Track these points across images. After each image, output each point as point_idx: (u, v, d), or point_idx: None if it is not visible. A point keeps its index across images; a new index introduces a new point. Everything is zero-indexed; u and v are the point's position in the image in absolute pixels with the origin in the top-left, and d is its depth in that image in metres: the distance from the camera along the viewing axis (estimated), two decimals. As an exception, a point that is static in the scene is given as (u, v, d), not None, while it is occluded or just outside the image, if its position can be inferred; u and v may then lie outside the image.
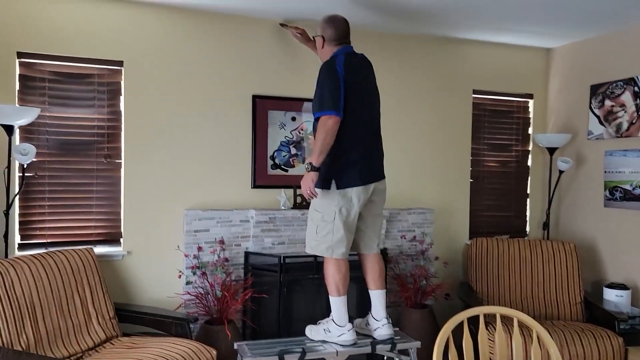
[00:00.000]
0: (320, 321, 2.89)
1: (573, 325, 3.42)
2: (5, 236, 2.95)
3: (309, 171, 2.60)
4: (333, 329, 2.75)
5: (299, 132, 3.79)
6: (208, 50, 3.55)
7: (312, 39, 3.41)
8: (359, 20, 3.56)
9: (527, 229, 4.50)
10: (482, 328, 2.00)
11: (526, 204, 4.49)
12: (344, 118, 2.62)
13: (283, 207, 3.62)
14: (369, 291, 2.89)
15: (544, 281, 3.77)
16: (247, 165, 3.66)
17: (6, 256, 2.96)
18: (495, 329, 2.04)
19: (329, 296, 2.77)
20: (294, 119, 3.77)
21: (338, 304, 2.74)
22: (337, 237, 2.69)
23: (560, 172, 4.12)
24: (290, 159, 3.77)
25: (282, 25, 3.61)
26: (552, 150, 4.17)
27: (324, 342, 2.77)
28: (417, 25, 3.76)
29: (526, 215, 4.49)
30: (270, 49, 3.67)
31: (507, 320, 3.12)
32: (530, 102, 4.47)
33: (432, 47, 4.12)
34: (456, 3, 3.23)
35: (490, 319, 3.22)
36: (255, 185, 3.67)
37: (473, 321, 2.27)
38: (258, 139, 3.67)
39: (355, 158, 2.70)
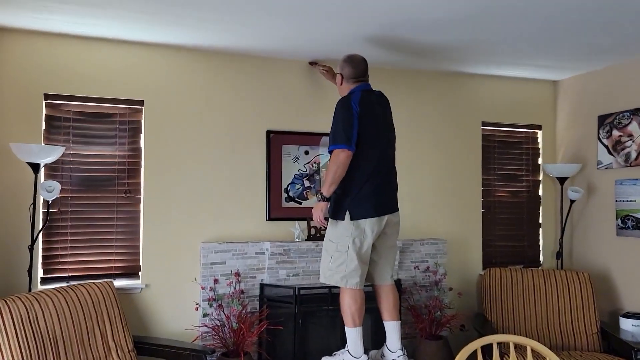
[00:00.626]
0: (335, 352, 2.92)
1: (590, 355, 3.39)
2: (30, 270, 3.04)
3: (319, 201, 2.76)
4: None
5: (312, 165, 3.89)
6: (223, 88, 3.69)
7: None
8: (374, 57, 3.69)
9: (541, 258, 4.50)
10: (495, 356, 2.03)
11: (539, 234, 4.50)
12: (358, 152, 2.72)
13: (297, 239, 3.68)
14: (384, 322, 2.92)
15: (559, 311, 3.76)
16: (261, 198, 3.75)
17: (29, 290, 3.04)
18: (509, 358, 2.07)
19: (345, 327, 2.81)
20: (307, 152, 3.87)
21: (354, 335, 2.77)
22: (351, 267, 2.74)
23: (572, 201, 4.15)
24: (304, 192, 3.86)
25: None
26: (562, 180, 4.21)
27: None
28: (428, 61, 3.89)
29: (539, 245, 4.50)
30: (283, 86, 3.81)
31: (521, 350, 3.12)
32: (539, 133, 4.54)
33: (442, 82, 4.24)
34: (465, 40, 3.36)
35: (504, 349, 3.21)
36: (269, 218, 3.76)
37: (488, 351, 2.29)
38: (272, 173, 3.78)
39: (368, 190, 2.78)
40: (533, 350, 2.12)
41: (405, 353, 2.89)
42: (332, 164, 2.72)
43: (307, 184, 3.87)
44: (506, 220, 4.43)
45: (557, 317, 3.75)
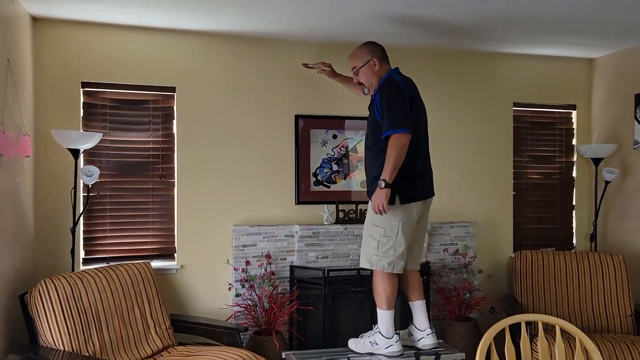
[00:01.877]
0: (362, 334, 2.95)
1: (623, 338, 3.35)
2: (72, 251, 3.20)
3: (381, 188, 2.64)
4: (380, 341, 2.81)
5: (340, 149, 3.92)
6: (253, 73, 3.75)
7: (338, 73, 3.55)
8: (398, 37, 3.67)
9: (574, 241, 4.43)
10: (524, 335, 2.04)
11: (572, 216, 4.43)
12: None
13: (326, 222, 3.74)
14: (410, 303, 2.95)
15: (591, 294, 3.71)
16: (290, 182, 3.82)
17: (73, 270, 3.20)
18: (537, 339, 2.07)
19: (378, 309, 2.83)
20: (335, 136, 3.90)
21: (387, 317, 2.80)
22: (399, 252, 2.74)
23: (607, 182, 4.06)
24: (332, 176, 3.90)
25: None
26: (597, 161, 4.12)
27: (371, 354, 2.83)
28: (456, 40, 3.84)
29: (572, 227, 4.43)
30: (311, 70, 3.83)
31: (550, 331, 3.11)
32: (574, 113, 4.44)
33: (471, 62, 4.18)
34: (495, 18, 3.30)
35: (533, 330, 3.21)
36: (299, 202, 3.82)
37: (516, 331, 2.30)
38: (301, 157, 3.83)
39: (416, 174, 2.80)
40: (563, 331, 2.12)
41: (434, 331, 2.92)
42: (392, 149, 2.62)
43: (335, 167, 3.91)
44: (538, 203, 4.37)
45: (589, 300, 3.71)
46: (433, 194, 2.92)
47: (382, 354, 2.80)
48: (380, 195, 2.64)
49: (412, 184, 2.77)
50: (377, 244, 2.77)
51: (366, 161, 2.91)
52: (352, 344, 2.93)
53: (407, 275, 2.95)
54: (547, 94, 4.34)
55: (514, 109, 4.29)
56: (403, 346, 2.91)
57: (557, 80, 4.36)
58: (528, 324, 2.64)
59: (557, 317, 3.65)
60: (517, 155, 4.30)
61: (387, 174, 2.63)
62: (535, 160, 4.36)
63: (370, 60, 2.88)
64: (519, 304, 3.74)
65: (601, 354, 2.92)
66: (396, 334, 2.82)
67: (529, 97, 4.31)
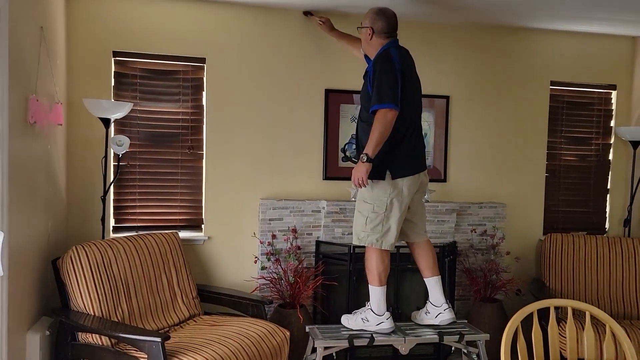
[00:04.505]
0: (355, 311, 2.97)
1: (654, 326, 3.28)
2: (102, 219, 3.26)
3: (363, 162, 2.62)
4: (371, 318, 2.82)
5: (370, 125, 3.86)
6: (283, 46, 3.70)
7: (335, 28, 3.51)
8: (428, 13, 3.56)
9: (607, 225, 4.32)
10: (552, 320, 2.00)
11: (606, 200, 4.30)
12: (400, 110, 2.66)
13: (353, 199, 3.71)
14: (425, 279, 2.93)
15: (622, 280, 3.63)
16: (318, 157, 3.79)
17: (103, 237, 3.27)
18: (566, 324, 2.03)
19: (369, 285, 2.83)
20: (365, 112, 3.84)
21: (379, 293, 2.80)
22: (387, 228, 2.74)
23: (645, 167, 3.92)
24: (361, 151, 3.85)
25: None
26: (636, 144, 3.97)
27: (363, 330, 2.83)
28: (490, 16, 3.70)
29: (606, 212, 4.31)
30: (340, 41, 3.76)
31: (579, 317, 3.05)
32: (613, 94, 4.26)
33: (505, 38, 4.03)
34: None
35: (561, 315, 3.15)
36: (326, 177, 3.80)
37: (543, 316, 2.26)
38: (329, 132, 3.79)
39: (407, 149, 2.76)
40: (592, 317, 2.07)
41: (451, 306, 2.90)
42: (377, 124, 2.61)
43: (364, 143, 3.86)
44: (571, 185, 4.25)
45: (620, 286, 3.62)
46: (425, 168, 2.88)
47: (373, 331, 2.81)
48: (361, 168, 2.62)
49: (404, 158, 2.74)
50: (365, 219, 2.76)
51: (359, 133, 2.86)
52: (345, 320, 2.94)
53: (416, 250, 2.94)
54: (586, 73, 4.17)
55: (551, 88, 4.15)
56: (421, 326, 2.91)
57: (597, 58, 4.18)
58: (556, 309, 2.60)
59: (586, 301, 3.61)
60: (551, 136, 4.18)
61: (370, 148, 2.61)
62: (570, 141, 4.23)
63: (368, 28, 2.84)
64: (546, 288, 3.68)
65: (631, 340, 2.86)
66: (387, 311, 2.82)
67: (567, 76, 4.15)
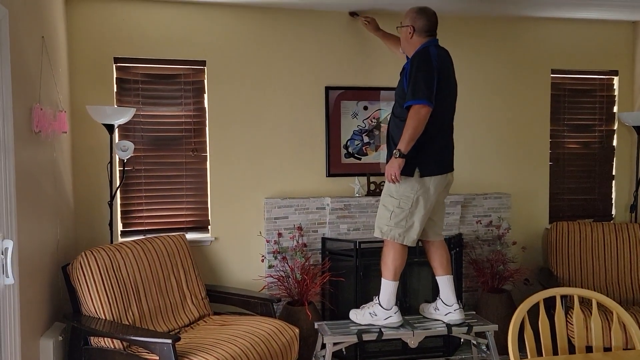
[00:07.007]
0: (363, 305, 2.98)
1: (663, 311, 3.27)
2: (110, 224, 3.29)
3: (396, 157, 2.65)
4: (380, 312, 2.84)
5: (371, 121, 3.87)
6: (283, 45, 3.71)
7: (380, 28, 3.53)
8: (427, 3, 3.55)
9: (613, 212, 4.31)
10: (559, 309, 2.01)
11: (611, 187, 4.29)
12: (433, 108, 2.66)
13: (357, 195, 3.73)
14: (437, 277, 2.95)
15: (630, 266, 3.62)
16: (321, 154, 3.81)
17: (111, 242, 3.30)
18: (572, 313, 2.04)
19: (383, 279, 2.85)
20: (366, 108, 3.85)
21: (390, 288, 2.82)
22: (410, 224, 2.76)
23: (649, 152, 3.91)
24: (363, 148, 3.87)
25: (351, 14, 3.70)
26: (639, 129, 3.96)
27: (372, 325, 2.85)
28: (490, 6, 3.70)
29: (611, 198, 4.30)
30: (341, 40, 3.77)
31: (586, 304, 3.06)
32: (615, 79, 4.25)
33: (506, 28, 4.03)
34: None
35: (568, 303, 3.16)
36: (329, 174, 3.81)
37: (550, 304, 2.27)
38: (331, 129, 3.80)
39: (437, 148, 2.77)
40: (599, 304, 2.08)
41: (462, 307, 2.92)
42: (411, 120, 2.62)
43: (366, 139, 3.87)
44: (576, 173, 4.24)
45: (628, 272, 3.62)
46: (452, 169, 2.89)
47: (382, 325, 2.83)
48: (394, 164, 2.66)
49: (434, 157, 2.75)
50: (390, 214, 2.78)
51: (391, 129, 2.86)
52: (353, 315, 2.95)
53: (431, 248, 2.95)
54: (587, 60, 4.16)
55: (552, 76, 4.14)
56: (429, 319, 2.93)
57: (598, 44, 4.17)
58: (563, 297, 2.60)
59: (594, 289, 3.61)
60: (554, 124, 4.17)
61: (403, 144, 2.63)
62: (573, 129, 4.22)
63: (409, 27, 2.85)
64: (554, 277, 3.68)
65: (639, 327, 2.86)
66: (395, 305, 2.84)
67: (568, 63, 4.14)
